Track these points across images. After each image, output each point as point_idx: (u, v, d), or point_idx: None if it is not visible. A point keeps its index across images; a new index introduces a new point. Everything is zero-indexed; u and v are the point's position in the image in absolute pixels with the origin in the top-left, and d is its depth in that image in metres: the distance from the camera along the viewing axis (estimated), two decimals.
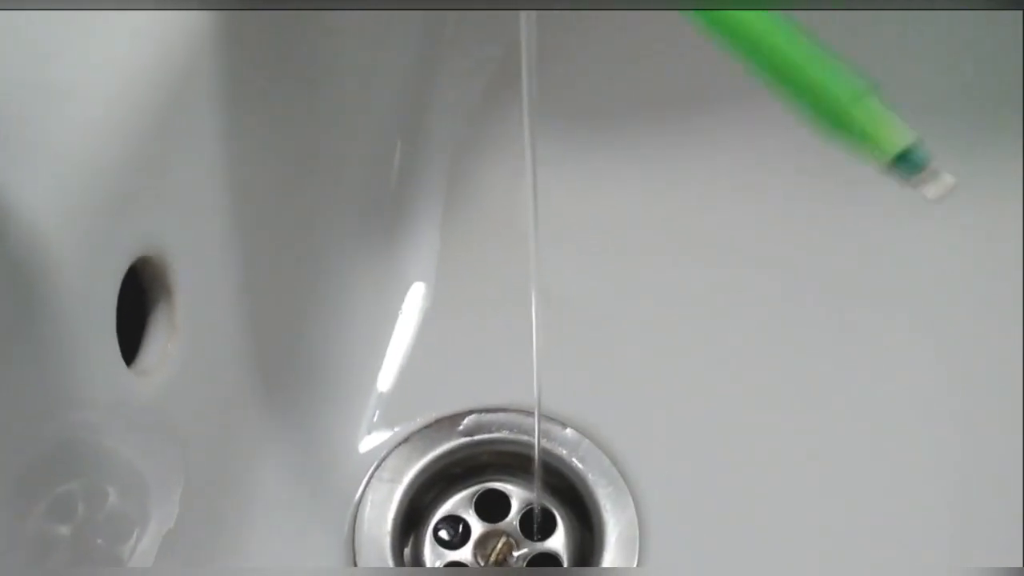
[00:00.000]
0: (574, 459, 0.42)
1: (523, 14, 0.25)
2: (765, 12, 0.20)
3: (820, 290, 0.45)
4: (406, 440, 0.43)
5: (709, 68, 0.47)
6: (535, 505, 0.42)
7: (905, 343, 0.44)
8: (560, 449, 0.42)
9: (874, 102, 0.19)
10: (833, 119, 0.19)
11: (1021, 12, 0.41)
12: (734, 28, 0.20)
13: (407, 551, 0.41)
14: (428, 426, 0.43)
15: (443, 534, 0.42)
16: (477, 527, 0.42)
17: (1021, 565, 0.37)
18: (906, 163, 0.19)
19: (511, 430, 0.43)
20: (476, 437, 0.43)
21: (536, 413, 0.38)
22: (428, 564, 0.41)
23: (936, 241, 0.46)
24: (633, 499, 0.41)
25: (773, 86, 0.20)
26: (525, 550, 0.41)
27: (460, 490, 0.43)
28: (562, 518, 0.42)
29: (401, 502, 0.41)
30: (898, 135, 0.19)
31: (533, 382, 0.36)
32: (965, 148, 0.45)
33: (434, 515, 0.42)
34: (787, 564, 0.40)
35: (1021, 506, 0.39)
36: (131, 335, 0.31)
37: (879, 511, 0.41)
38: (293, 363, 0.42)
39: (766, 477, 0.42)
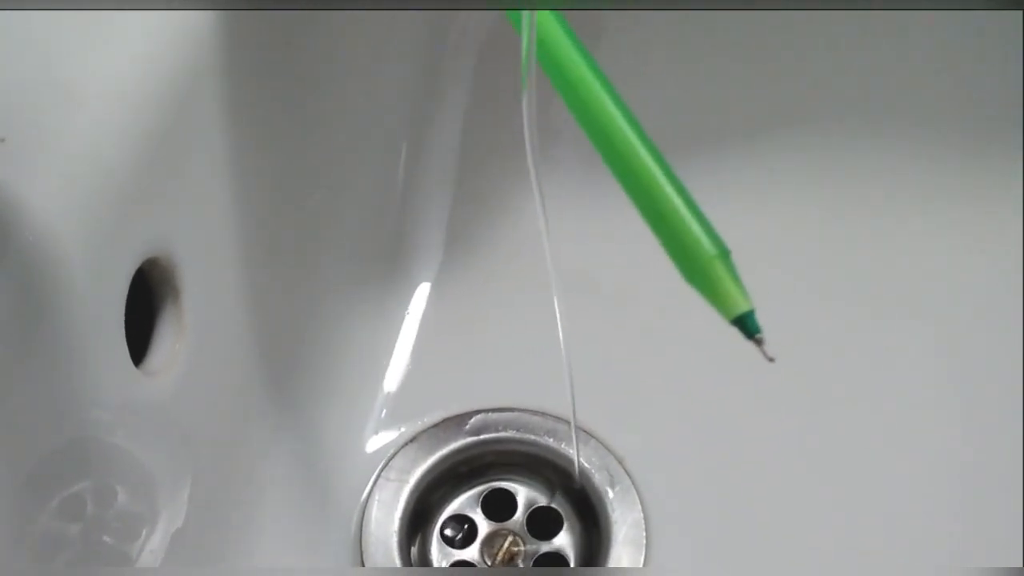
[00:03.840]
0: (581, 459, 0.42)
1: (524, 14, 0.25)
2: (649, 143, 0.21)
3: (822, 291, 0.45)
4: (413, 440, 0.43)
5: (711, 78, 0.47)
6: (577, 479, 0.41)
7: (906, 344, 0.44)
8: (567, 448, 0.42)
9: (726, 266, 0.21)
10: (688, 271, 0.22)
11: (1021, 12, 0.41)
12: (616, 147, 0.22)
13: (414, 550, 0.41)
14: (435, 426, 0.43)
15: (450, 533, 0.42)
16: (484, 526, 0.42)
17: (1021, 565, 0.37)
18: (742, 326, 0.22)
19: (518, 429, 0.43)
20: (483, 436, 0.43)
21: (571, 399, 0.37)
22: (435, 563, 0.41)
23: (938, 241, 0.46)
24: (640, 499, 0.41)
25: (634, 204, 0.21)
26: (532, 549, 0.41)
27: (467, 489, 0.43)
28: (569, 518, 0.42)
29: (408, 501, 0.41)
30: (738, 303, 0.21)
31: (566, 380, 0.36)
32: (966, 148, 0.46)
33: (441, 514, 0.42)
34: (791, 563, 0.40)
35: (1021, 506, 0.39)
36: (139, 336, 0.32)
37: (881, 511, 0.41)
38: (300, 363, 0.42)
39: (771, 478, 0.42)
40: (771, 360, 0.21)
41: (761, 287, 0.46)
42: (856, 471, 0.42)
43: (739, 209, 0.47)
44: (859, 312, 0.45)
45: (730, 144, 0.47)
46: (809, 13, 0.44)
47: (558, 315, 0.33)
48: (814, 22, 0.44)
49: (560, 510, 0.42)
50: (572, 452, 0.42)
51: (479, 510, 0.42)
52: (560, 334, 0.34)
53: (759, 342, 0.21)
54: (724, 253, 0.21)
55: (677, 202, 0.22)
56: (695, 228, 0.22)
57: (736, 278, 0.21)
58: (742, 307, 0.21)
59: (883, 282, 0.45)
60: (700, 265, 0.21)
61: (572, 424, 0.38)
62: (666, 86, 0.45)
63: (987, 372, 0.43)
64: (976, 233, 0.46)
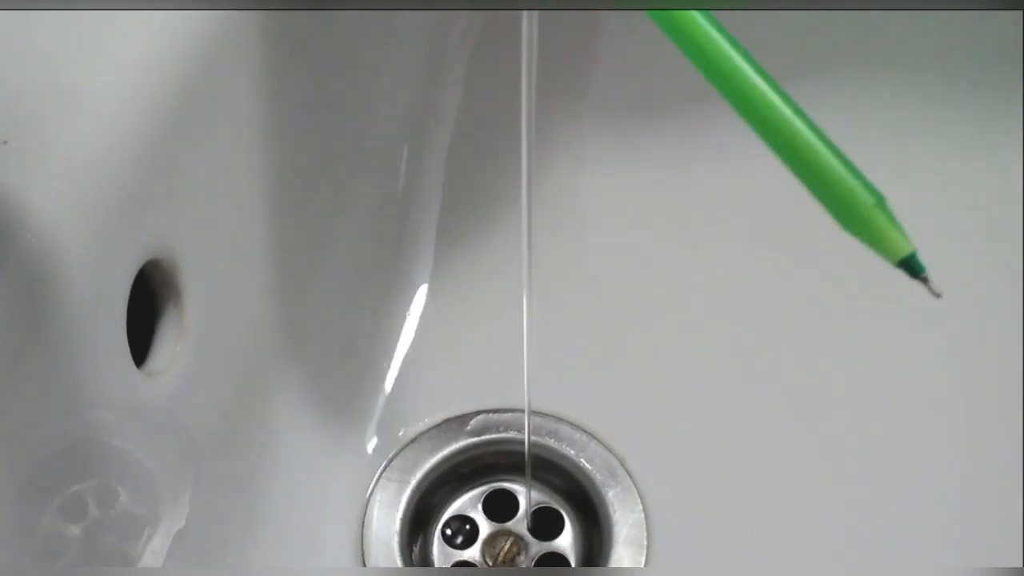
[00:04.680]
0: (582, 459, 0.42)
1: (524, 14, 0.25)
2: (787, 97, 0.22)
3: (825, 289, 0.46)
4: (414, 440, 0.43)
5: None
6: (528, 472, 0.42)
7: (908, 344, 0.44)
8: (568, 449, 0.42)
9: (885, 213, 0.22)
10: (847, 221, 0.23)
11: (1021, 12, 0.41)
12: (757, 107, 0.22)
13: (415, 551, 0.42)
14: (436, 426, 0.43)
15: (451, 534, 0.42)
16: (485, 527, 0.42)
17: (1021, 565, 0.37)
18: (907, 268, 0.23)
19: (519, 430, 0.43)
20: (484, 437, 0.43)
21: (526, 409, 0.38)
22: (436, 563, 0.41)
23: (939, 240, 0.46)
24: (641, 499, 0.41)
25: (789, 168, 0.22)
26: (533, 550, 0.41)
27: (468, 490, 0.43)
28: (570, 518, 0.42)
29: (409, 502, 0.41)
30: (902, 246, 0.22)
31: (524, 381, 0.36)
32: (966, 148, 0.46)
33: (442, 515, 0.42)
34: (792, 562, 0.40)
35: (1021, 506, 0.39)
36: (141, 337, 0.32)
37: (882, 511, 0.41)
38: (301, 364, 0.42)
39: (772, 477, 0.42)
40: (938, 296, 0.22)
41: (765, 284, 0.46)
42: (857, 471, 0.42)
43: (740, 204, 0.47)
44: (860, 309, 0.45)
45: (735, 140, 0.46)
46: (808, 13, 0.44)
47: (525, 307, 0.33)
48: (812, 20, 0.44)
49: (562, 511, 0.42)
50: (572, 452, 0.42)
51: (480, 511, 0.42)
52: (524, 328, 0.34)
53: (925, 280, 0.23)
54: (881, 200, 0.23)
55: (829, 156, 0.23)
56: (851, 180, 0.23)
57: (896, 223, 0.23)
58: (906, 249, 0.23)
59: (886, 280, 0.45)
60: (861, 215, 0.23)
61: (526, 410, 0.39)
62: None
63: (988, 372, 0.43)
64: (978, 232, 0.46)
